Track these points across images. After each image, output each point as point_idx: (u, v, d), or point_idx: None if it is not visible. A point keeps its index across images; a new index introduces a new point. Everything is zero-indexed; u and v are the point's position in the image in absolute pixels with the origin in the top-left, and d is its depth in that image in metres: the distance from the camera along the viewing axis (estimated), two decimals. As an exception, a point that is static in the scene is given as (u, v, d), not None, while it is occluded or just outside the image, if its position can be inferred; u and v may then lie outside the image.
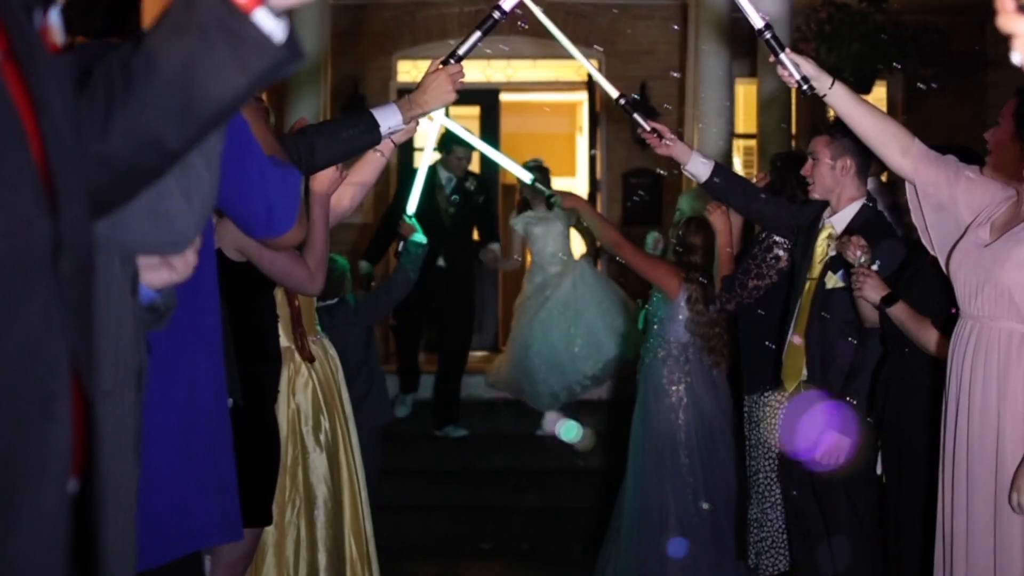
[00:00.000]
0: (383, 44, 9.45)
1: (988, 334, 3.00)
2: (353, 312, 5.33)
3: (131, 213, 1.49)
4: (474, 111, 9.71)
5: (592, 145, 9.72)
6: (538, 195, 7.10)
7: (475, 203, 7.41)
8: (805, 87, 3.14)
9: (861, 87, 8.13)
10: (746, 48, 8.30)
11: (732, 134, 8.85)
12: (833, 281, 3.90)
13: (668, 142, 4.11)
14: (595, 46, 9.31)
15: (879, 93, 9.37)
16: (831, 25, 7.81)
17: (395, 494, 6.55)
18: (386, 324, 7.73)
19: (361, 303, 5.49)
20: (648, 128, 4.05)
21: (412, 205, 5.37)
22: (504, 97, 10.04)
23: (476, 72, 9.93)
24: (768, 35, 3.08)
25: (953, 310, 3.21)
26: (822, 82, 3.20)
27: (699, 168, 4.23)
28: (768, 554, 4.50)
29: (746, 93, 9.42)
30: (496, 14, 3.11)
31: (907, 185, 3.28)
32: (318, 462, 4.04)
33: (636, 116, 4.02)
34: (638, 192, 9.49)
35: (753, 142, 8.88)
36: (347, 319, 5.22)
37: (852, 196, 4.01)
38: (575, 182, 10.99)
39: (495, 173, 9.84)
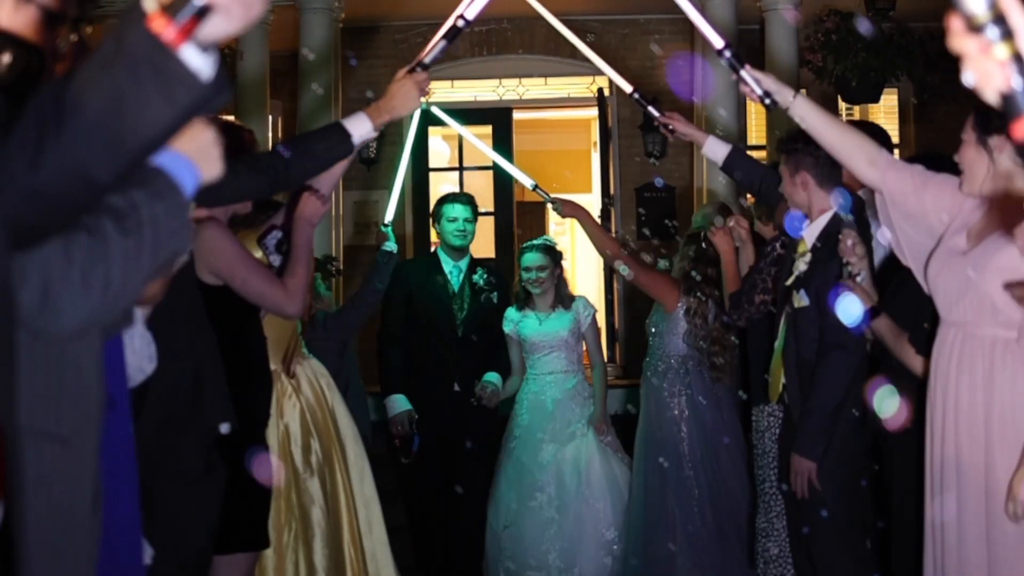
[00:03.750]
0: (394, 65, 9.50)
1: (972, 341, 2.99)
2: (322, 327, 5.32)
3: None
4: (487, 130, 9.76)
5: (604, 160, 9.76)
6: (546, 293, 5.57)
7: (487, 305, 5.60)
8: (768, 101, 3.20)
9: (869, 96, 8.15)
10: (755, 62, 8.32)
11: (745, 147, 8.89)
12: (798, 300, 3.90)
13: (684, 130, 4.28)
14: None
15: (890, 101, 9.38)
16: (837, 35, 7.83)
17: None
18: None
19: (330, 317, 5.49)
20: (662, 119, 4.21)
21: (389, 214, 5.36)
22: (517, 115, 10.09)
23: (488, 91, 10.00)
24: (728, 54, 3.14)
25: (926, 324, 3.21)
26: (784, 95, 3.24)
27: (716, 150, 4.35)
28: (776, 563, 4.47)
29: (757, 106, 9.43)
30: (460, 22, 3.18)
31: (876, 196, 3.31)
32: (310, 484, 4.05)
33: (650, 108, 4.20)
34: (651, 206, 9.52)
35: (765, 154, 8.91)
36: (317, 335, 5.23)
37: (822, 208, 3.98)
38: (590, 198, 11.03)
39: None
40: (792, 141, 3.93)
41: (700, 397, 5.17)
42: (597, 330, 5.81)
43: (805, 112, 3.30)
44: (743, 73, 3.18)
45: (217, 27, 1.32)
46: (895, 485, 3.58)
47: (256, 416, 3.64)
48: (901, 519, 3.53)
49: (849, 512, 3.89)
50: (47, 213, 1.40)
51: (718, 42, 3.14)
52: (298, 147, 3.25)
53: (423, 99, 3.34)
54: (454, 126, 5.65)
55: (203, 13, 1.30)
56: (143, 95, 1.31)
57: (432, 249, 5.83)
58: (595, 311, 5.76)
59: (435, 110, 5.16)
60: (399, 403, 5.38)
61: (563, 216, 5.26)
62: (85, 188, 1.38)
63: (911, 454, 3.32)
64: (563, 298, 5.61)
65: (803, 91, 7.55)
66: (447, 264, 5.62)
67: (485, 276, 5.64)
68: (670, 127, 4.21)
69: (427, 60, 3.25)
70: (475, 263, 5.70)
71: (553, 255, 5.60)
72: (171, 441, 2.91)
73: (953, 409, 3.01)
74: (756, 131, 9.57)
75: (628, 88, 4.23)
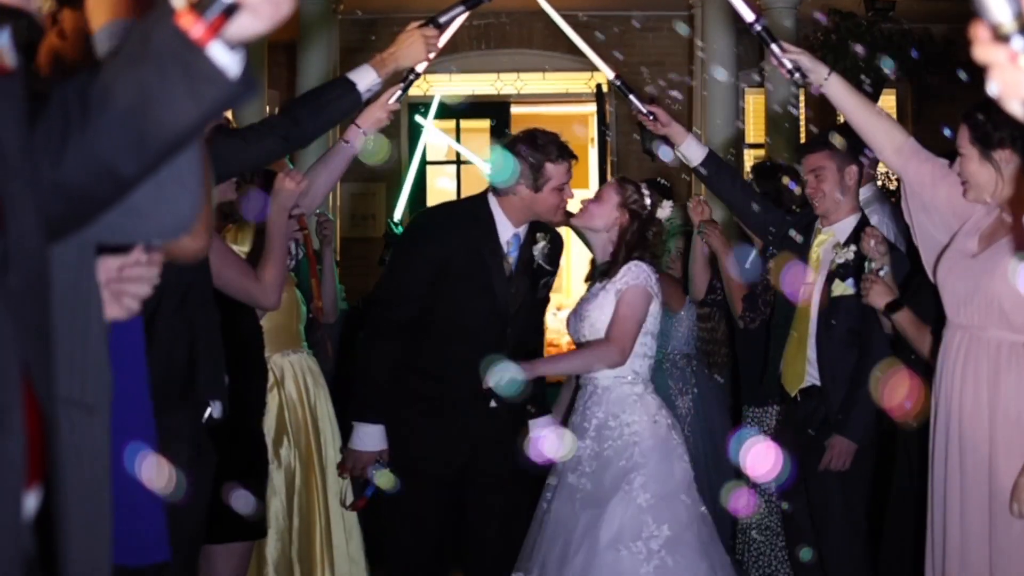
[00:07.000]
0: (393, 59, 9.50)
1: (978, 343, 2.99)
2: (326, 330, 5.30)
3: (140, 201, 1.47)
4: (484, 124, 9.76)
5: (602, 155, 9.75)
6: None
7: (542, 294, 3.92)
8: (797, 75, 3.20)
9: (866, 96, 8.13)
10: (754, 58, 8.31)
11: (743, 144, 8.88)
12: (841, 288, 3.88)
13: (664, 123, 4.07)
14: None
15: (889, 102, 9.38)
16: (837, 34, 7.82)
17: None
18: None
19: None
20: (644, 110, 4.03)
21: (399, 211, 5.29)
22: (515, 110, 10.08)
23: (486, 85, 9.98)
24: (759, 27, 3.14)
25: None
26: (819, 73, 3.25)
27: (693, 151, 4.16)
28: (766, 562, 4.50)
29: (755, 103, 9.44)
30: None
31: (902, 184, 3.33)
32: (275, 476, 4.00)
33: (631, 97, 4.03)
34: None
35: (763, 152, 8.90)
36: (320, 335, 5.19)
37: (852, 208, 4.01)
38: (587, 193, 11.02)
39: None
40: (844, 132, 3.86)
41: (704, 394, 5.16)
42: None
43: (838, 91, 3.30)
44: (774, 47, 3.18)
45: (245, 25, 1.31)
46: (912, 482, 3.58)
47: (250, 405, 3.63)
48: (896, 519, 3.54)
49: (857, 497, 3.91)
50: (72, 206, 1.39)
51: (749, 15, 3.15)
52: (306, 102, 3.24)
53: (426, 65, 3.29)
54: (441, 138, 5.62)
55: (231, 11, 1.29)
56: (170, 92, 1.30)
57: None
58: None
59: (418, 118, 5.13)
60: (373, 438, 3.64)
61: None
62: (110, 183, 1.37)
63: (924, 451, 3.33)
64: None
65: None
66: (504, 230, 3.71)
67: (547, 249, 3.80)
68: (652, 116, 4.01)
69: (441, 20, 3.24)
70: (535, 226, 3.79)
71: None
72: (164, 423, 2.91)
73: (957, 411, 3.02)
74: (754, 130, 9.56)
75: (611, 74, 4.13)
